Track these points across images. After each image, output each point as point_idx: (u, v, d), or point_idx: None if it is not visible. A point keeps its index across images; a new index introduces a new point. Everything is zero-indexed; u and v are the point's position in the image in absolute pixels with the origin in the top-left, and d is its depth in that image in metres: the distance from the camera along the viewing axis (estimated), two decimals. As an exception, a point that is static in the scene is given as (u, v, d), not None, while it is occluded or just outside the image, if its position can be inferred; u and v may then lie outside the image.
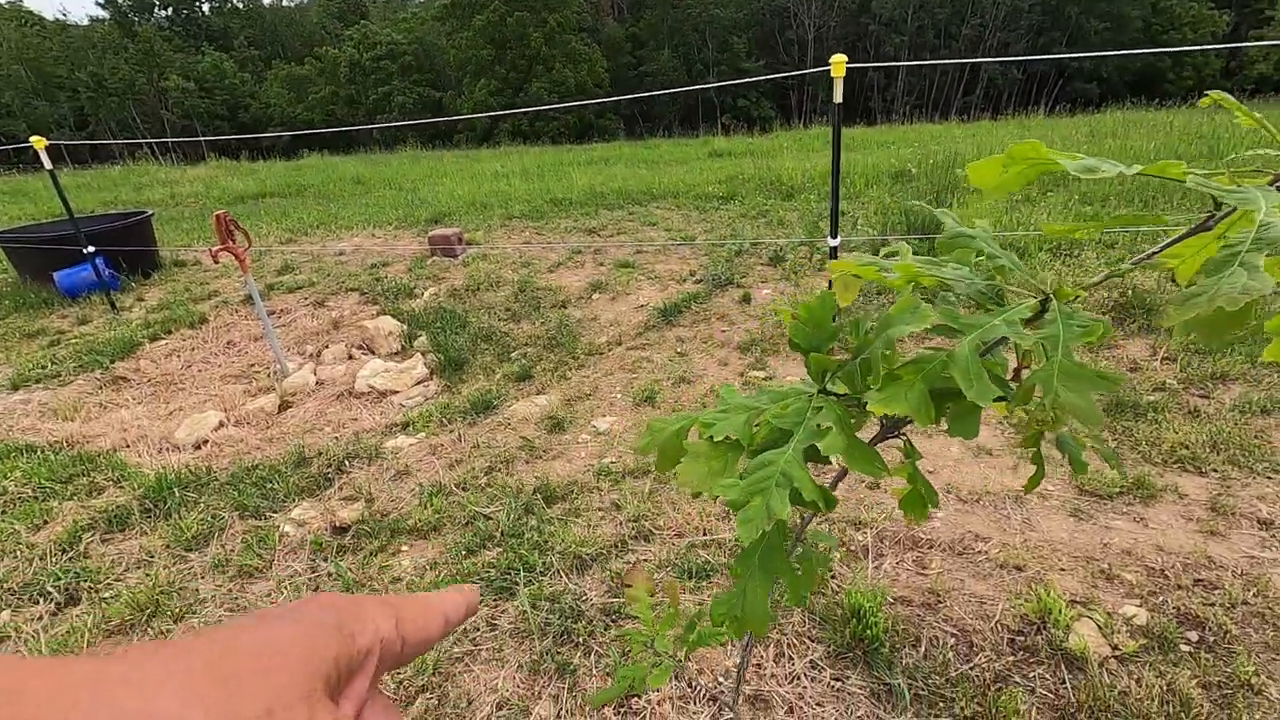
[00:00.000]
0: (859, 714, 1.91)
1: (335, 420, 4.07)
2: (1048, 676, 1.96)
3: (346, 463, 3.46)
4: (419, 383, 4.65)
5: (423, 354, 5.00)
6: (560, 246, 7.10)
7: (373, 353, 5.18)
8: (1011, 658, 2.02)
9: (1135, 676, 1.93)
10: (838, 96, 3.85)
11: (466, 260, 6.89)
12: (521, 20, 37.59)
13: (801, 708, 1.93)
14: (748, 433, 0.65)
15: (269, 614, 0.25)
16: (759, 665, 2.07)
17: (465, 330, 5.18)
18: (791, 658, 2.08)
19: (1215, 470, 2.79)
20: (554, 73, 38.14)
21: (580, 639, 2.21)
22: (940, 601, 2.24)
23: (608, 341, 4.77)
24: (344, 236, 8.53)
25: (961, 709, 1.86)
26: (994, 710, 1.85)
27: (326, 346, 5.31)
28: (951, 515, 2.66)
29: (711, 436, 0.66)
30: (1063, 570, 2.33)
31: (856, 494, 2.83)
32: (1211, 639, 2.04)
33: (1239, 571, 2.28)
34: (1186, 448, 2.90)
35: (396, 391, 4.53)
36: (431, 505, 3.00)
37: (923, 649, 2.08)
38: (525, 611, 2.31)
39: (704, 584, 2.37)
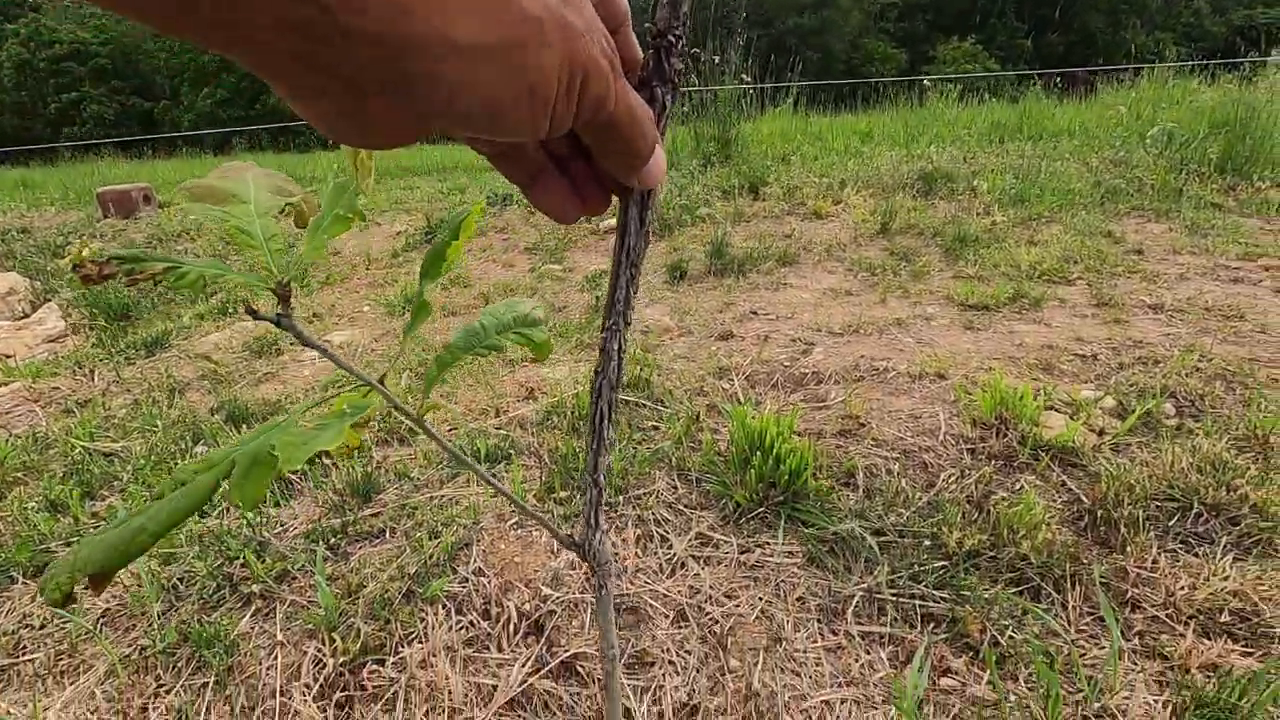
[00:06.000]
0: (798, 594, 1.07)
1: None
2: (1039, 480, 1.30)
3: None
4: (51, 340, 3.07)
5: (63, 309, 3.37)
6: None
7: (-24, 314, 3.41)
8: (988, 468, 1.32)
9: (1150, 454, 1.34)
10: None
11: (157, 222, 5.12)
12: (254, 21, 32.99)
13: (701, 606, 1.05)
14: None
15: None
16: (616, 555, 1.15)
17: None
18: (665, 537, 1.19)
19: (1080, 278, 2.45)
20: (300, 80, 33.89)
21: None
22: (862, 426, 1.50)
23: (353, 268, 3.57)
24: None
25: (957, 542, 1.11)
26: (1006, 533, 1.12)
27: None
28: (833, 347, 1.98)
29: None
30: (990, 370, 1.73)
31: (705, 348, 2.04)
32: (1189, 408, 1.54)
33: (1169, 345, 1.85)
34: (1043, 263, 2.55)
35: (9, 355, 2.91)
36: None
37: (861, 485, 1.31)
38: (195, 575, 1.16)
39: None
